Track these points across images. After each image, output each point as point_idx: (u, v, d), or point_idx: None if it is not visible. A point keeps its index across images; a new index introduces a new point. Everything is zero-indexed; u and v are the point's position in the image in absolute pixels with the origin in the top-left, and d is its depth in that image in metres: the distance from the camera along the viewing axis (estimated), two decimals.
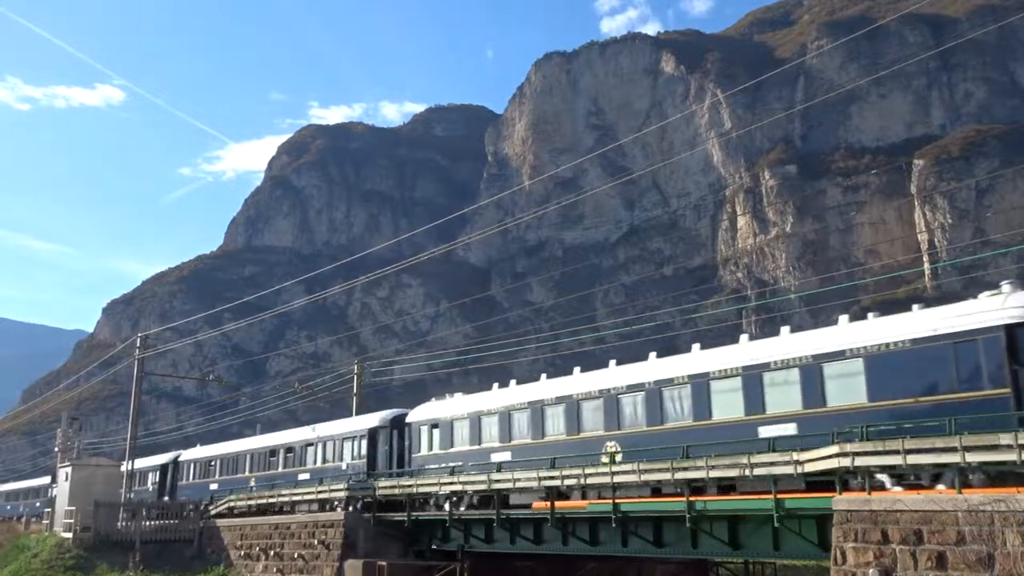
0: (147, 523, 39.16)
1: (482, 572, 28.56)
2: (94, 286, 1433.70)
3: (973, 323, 17.58)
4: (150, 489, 52.37)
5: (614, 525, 22.56)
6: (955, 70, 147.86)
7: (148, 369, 50.90)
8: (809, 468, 17.71)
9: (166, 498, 49.03)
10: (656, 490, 21.71)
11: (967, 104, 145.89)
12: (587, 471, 22.61)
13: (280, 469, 40.91)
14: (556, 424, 26.45)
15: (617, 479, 21.95)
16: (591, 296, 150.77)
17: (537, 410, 27.15)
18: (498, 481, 24.99)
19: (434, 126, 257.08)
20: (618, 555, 24.34)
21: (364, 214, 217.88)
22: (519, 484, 24.48)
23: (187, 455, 51.92)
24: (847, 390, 19.21)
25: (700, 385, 22.37)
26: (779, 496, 18.49)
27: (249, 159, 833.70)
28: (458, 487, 26.83)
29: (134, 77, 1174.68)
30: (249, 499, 39.20)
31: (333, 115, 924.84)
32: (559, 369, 30.55)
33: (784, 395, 20.38)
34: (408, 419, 33.26)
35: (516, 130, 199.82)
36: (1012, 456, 14.45)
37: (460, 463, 28.69)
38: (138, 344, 47.79)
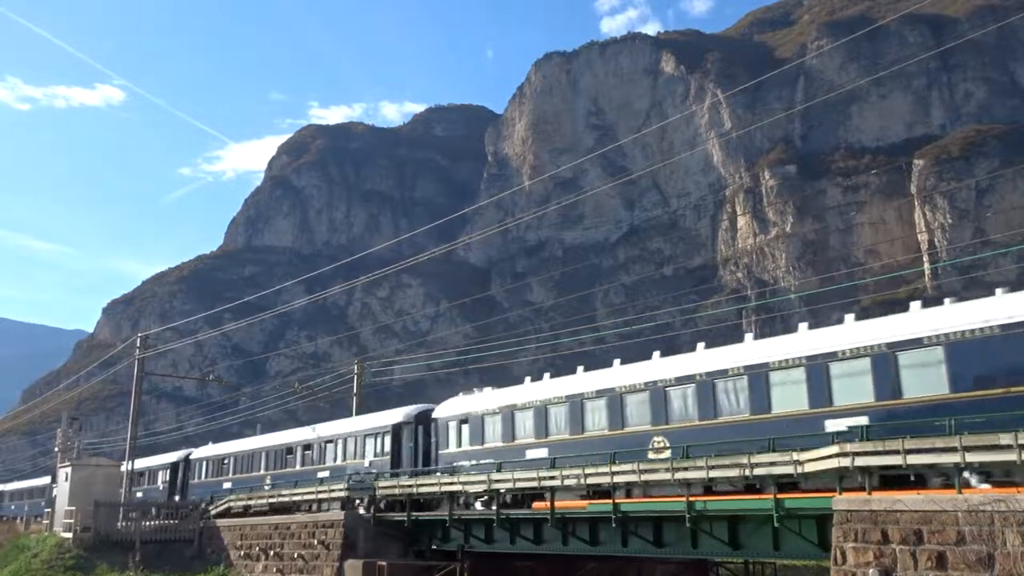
0: (147, 523, 39.18)
1: (482, 572, 28.52)
2: (94, 286, 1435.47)
3: None
4: (160, 488, 51.49)
5: (614, 525, 22.50)
6: (955, 70, 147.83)
7: (148, 369, 50.85)
8: (809, 468, 17.69)
9: (177, 497, 48.21)
10: (708, 488, 20.49)
11: (967, 104, 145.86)
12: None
13: (298, 467, 39.89)
14: (597, 419, 25.23)
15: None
16: (591, 296, 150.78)
17: (576, 404, 25.93)
18: (546, 479, 23.51)
19: (434, 126, 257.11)
20: (618, 555, 24.26)
21: (364, 214, 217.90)
22: (565, 482, 23.08)
23: (199, 453, 50.74)
24: (926, 380, 18.06)
25: (758, 376, 21.17)
26: (779, 496, 18.48)
27: (249, 159, 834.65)
28: (478, 487, 25.61)
29: (134, 77, 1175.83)
30: (249, 499, 39.11)
31: (333, 115, 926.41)
32: (559, 369, 30.38)
33: (854, 386, 19.28)
34: (435, 414, 32.09)
35: (516, 130, 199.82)
36: (1012, 456, 14.45)
37: (492, 460, 27.48)
38: (138, 344, 47.78)
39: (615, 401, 24.70)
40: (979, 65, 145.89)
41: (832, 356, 19.77)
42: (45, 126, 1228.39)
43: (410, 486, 29.14)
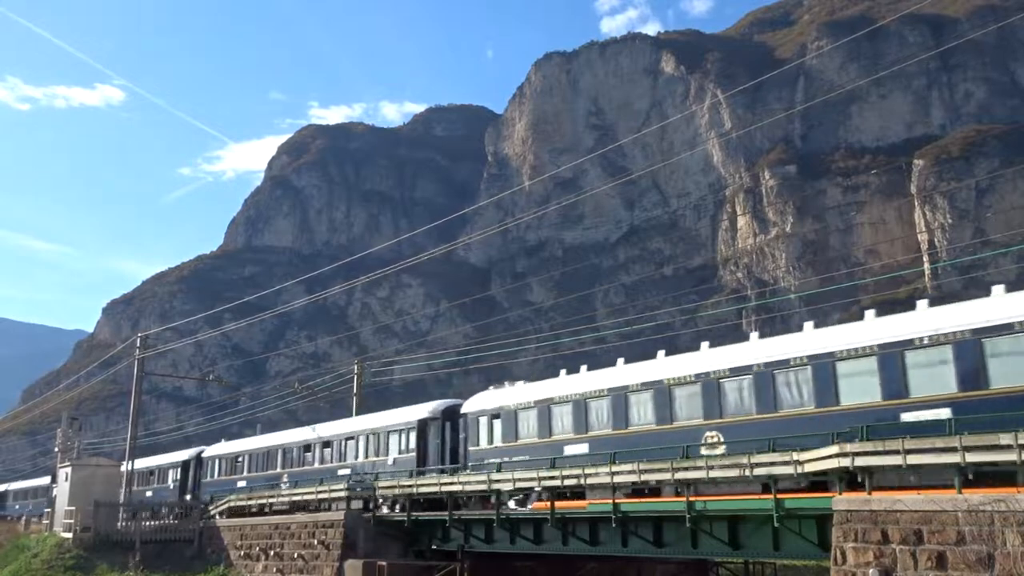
0: (147, 523, 39.19)
1: (482, 572, 28.50)
2: (94, 286, 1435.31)
3: None
4: (171, 487, 50.45)
5: (614, 525, 22.48)
6: (955, 70, 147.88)
7: (148, 369, 50.81)
8: (809, 468, 17.69)
9: (188, 496, 47.28)
10: (766, 486, 19.17)
11: (967, 104, 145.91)
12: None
13: (316, 465, 38.59)
14: (642, 412, 23.99)
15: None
16: (591, 296, 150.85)
17: (619, 397, 24.60)
18: (592, 475, 22.52)
19: (434, 126, 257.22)
20: (618, 555, 24.21)
21: (364, 214, 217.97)
22: (616, 479, 21.89)
23: (211, 451, 49.49)
24: (1019, 369, 17.00)
25: (823, 366, 19.97)
26: (779, 496, 18.46)
27: (249, 159, 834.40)
28: (529, 483, 24.18)
29: (134, 77, 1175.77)
30: (250, 499, 39.12)
31: (333, 115, 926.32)
32: (559, 370, 30.01)
33: (934, 376, 18.21)
34: (463, 409, 30.75)
35: (516, 130, 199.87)
36: (1012, 456, 14.45)
37: (526, 457, 26.33)
38: (138, 344, 47.77)
39: (663, 394, 23.48)
40: (979, 65, 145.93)
41: (908, 344, 18.59)
42: (45, 126, 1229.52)
43: (409, 486, 29.13)
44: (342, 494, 31.87)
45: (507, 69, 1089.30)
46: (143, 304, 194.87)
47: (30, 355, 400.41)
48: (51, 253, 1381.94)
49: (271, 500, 37.42)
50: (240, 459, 45.40)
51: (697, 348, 24.71)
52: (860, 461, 16.38)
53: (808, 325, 22.18)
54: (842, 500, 16.67)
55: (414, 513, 29.44)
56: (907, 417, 18.11)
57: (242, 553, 35.09)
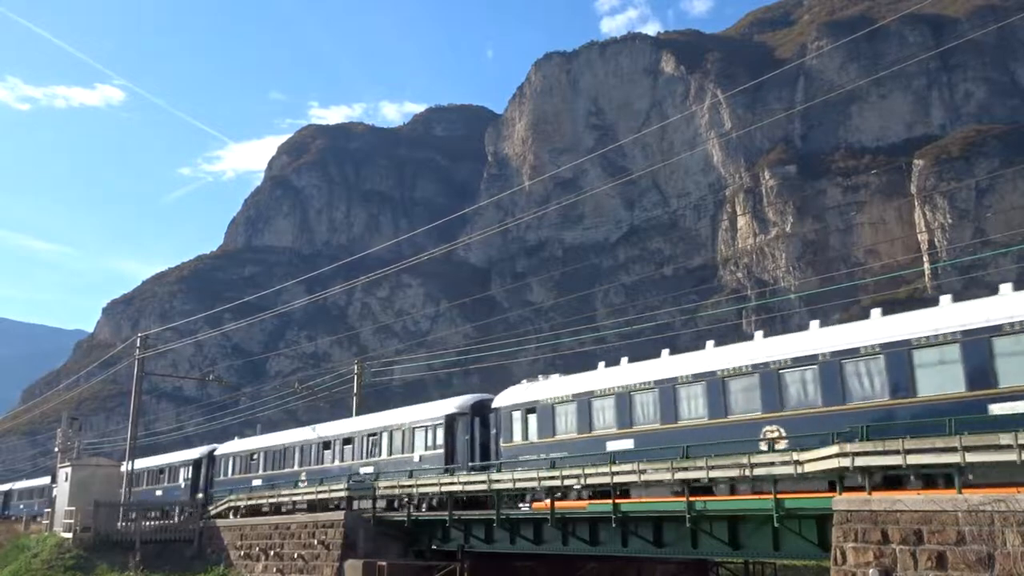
0: (147, 523, 39.18)
1: (482, 572, 28.49)
2: (94, 286, 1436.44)
3: None
4: (182, 486, 49.35)
5: (614, 525, 22.46)
6: (955, 70, 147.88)
7: (148, 369, 50.78)
8: (809, 468, 17.68)
9: (200, 495, 46.31)
10: (832, 484, 18.02)
11: (967, 104, 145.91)
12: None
13: (336, 462, 37.14)
14: (693, 406, 22.81)
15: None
16: (591, 296, 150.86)
17: (667, 390, 23.43)
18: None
19: (434, 126, 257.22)
20: (618, 555, 24.18)
21: (364, 214, 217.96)
22: (647, 476, 21.07)
23: (224, 448, 48.07)
24: None
25: (898, 355, 18.60)
26: (779, 496, 18.44)
27: (249, 159, 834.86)
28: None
29: (134, 77, 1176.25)
30: (249, 499, 39.09)
31: (333, 115, 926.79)
32: (559, 369, 29.87)
33: None
34: (495, 404, 29.63)
35: (516, 130, 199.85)
36: (1012, 456, 14.44)
37: (564, 453, 25.24)
38: (138, 344, 47.77)
39: (715, 386, 22.24)
40: (979, 65, 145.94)
41: (997, 330, 17.15)
42: (45, 126, 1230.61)
43: (410, 486, 29.11)
44: (342, 494, 31.87)
45: (507, 69, 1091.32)
46: (143, 304, 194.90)
47: (30, 355, 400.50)
48: (51, 253, 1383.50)
49: (271, 500, 37.31)
50: (255, 457, 44.13)
51: (697, 348, 24.60)
52: (860, 461, 16.36)
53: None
54: (842, 500, 16.65)
55: (414, 513, 29.43)
56: (995, 409, 16.77)
57: (242, 553, 35.08)
